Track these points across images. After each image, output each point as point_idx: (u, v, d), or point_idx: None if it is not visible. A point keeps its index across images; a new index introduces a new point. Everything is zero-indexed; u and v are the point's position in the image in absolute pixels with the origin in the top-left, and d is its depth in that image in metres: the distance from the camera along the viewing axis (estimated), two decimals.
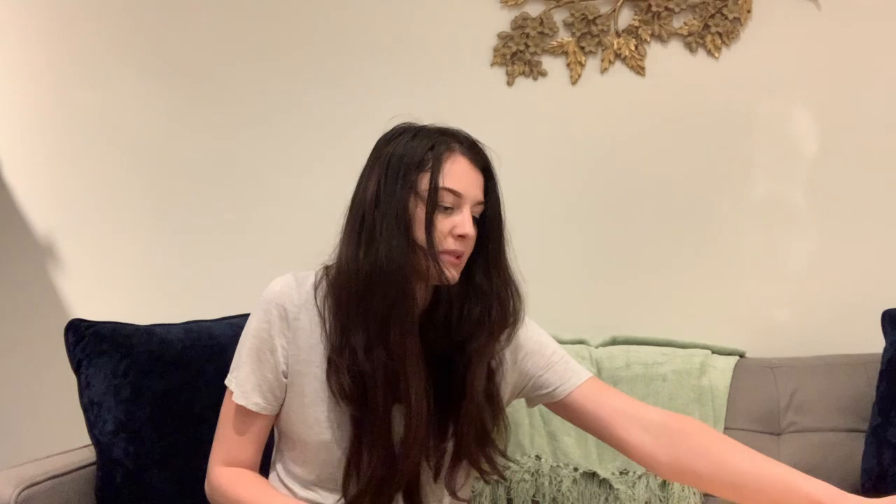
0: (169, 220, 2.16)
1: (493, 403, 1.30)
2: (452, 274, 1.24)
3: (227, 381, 1.32)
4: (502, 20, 1.96)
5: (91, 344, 1.64)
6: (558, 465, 1.73)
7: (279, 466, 1.36)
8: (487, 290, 1.27)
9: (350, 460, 1.26)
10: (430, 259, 1.20)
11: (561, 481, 1.71)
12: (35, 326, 2.24)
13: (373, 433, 1.23)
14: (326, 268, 1.30)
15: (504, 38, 1.96)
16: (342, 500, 1.28)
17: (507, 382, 1.35)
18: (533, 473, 1.72)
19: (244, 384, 1.29)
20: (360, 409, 1.24)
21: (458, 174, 1.23)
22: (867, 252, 1.85)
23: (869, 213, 1.85)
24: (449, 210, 1.22)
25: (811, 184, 1.87)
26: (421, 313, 1.27)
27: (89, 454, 1.64)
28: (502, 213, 1.30)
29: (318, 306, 1.27)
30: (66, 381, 1.75)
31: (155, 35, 2.15)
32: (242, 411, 1.30)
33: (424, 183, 1.21)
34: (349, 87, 2.04)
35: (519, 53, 1.96)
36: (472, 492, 1.68)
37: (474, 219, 1.25)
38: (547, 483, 1.72)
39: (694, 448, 1.22)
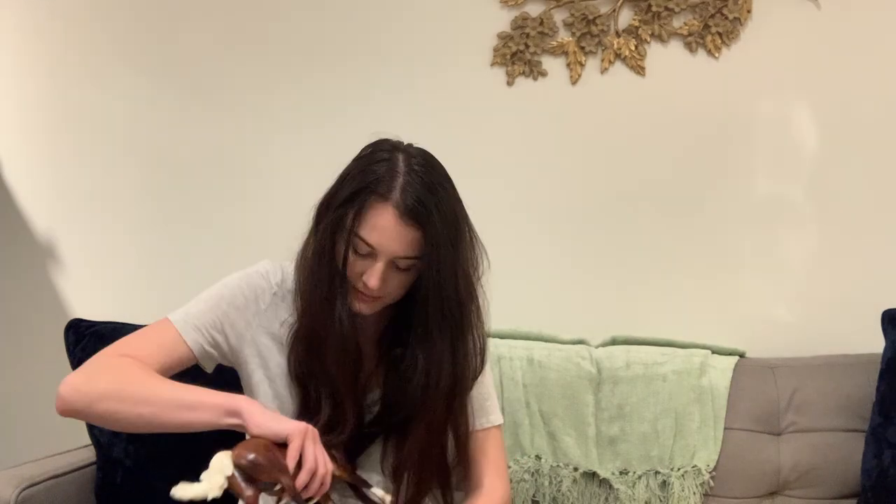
0: (169, 220, 2.16)
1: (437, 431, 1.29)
2: (361, 308, 1.24)
3: (170, 315, 1.25)
4: (502, 20, 1.96)
5: (91, 344, 1.65)
6: (558, 465, 1.73)
7: None
8: (431, 347, 1.24)
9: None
10: (342, 288, 1.22)
11: (561, 481, 1.71)
12: (35, 326, 2.24)
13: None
14: None
15: (504, 38, 1.96)
16: None
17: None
18: (533, 473, 1.72)
19: (191, 314, 1.25)
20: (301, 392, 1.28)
21: (378, 227, 1.17)
22: (867, 251, 1.85)
23: (869, 212, 1.85)
24: (364, 255, 1.20)
25: (811, 183, 1.87)
26: (383, 322, 1.31)
27: (89, 454, 1.64)
28: (449, 272, 1.21)
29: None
30: None
31: (155, 35, 2.15)
32: (171, 334, 1.23)
33: (348, 221, 1.19)
34: (350, 87, 2.04)
35: (519, 53, 1.96)
36: None
37: (413, 262, 1.21)
38: (547, 483, 1.71)
39: None
